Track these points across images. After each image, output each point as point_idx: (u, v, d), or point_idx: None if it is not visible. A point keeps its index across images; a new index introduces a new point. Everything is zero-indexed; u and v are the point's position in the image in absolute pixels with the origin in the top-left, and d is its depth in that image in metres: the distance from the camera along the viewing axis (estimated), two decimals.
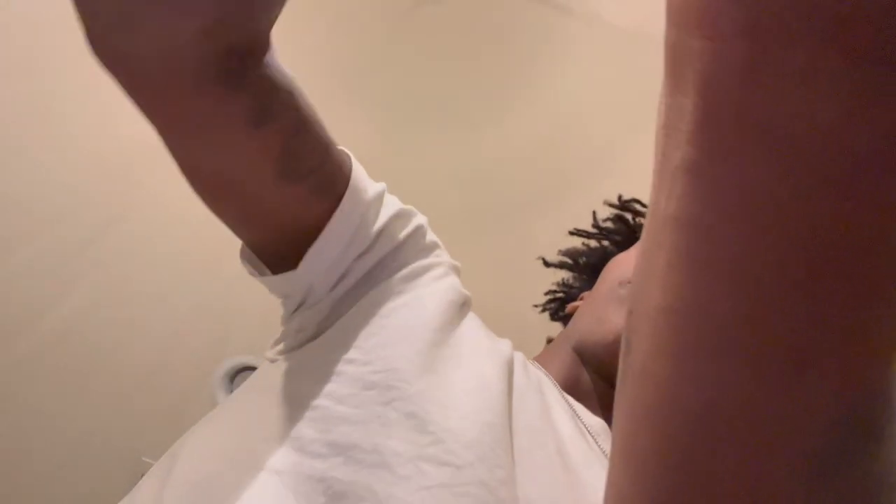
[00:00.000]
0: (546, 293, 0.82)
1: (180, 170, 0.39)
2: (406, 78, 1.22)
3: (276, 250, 0.43)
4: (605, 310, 0.56)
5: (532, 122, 1.24)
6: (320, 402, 0.37)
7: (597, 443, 0.45)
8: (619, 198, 0.78)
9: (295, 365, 0.42)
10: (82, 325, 1.09)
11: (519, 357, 0.49)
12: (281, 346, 0.46)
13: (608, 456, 0.44)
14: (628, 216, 0.77)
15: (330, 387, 0.38)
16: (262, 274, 0.44)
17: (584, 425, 0.46)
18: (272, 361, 0.46)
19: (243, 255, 0.45)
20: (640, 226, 0.75)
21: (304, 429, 0.36)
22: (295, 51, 1.22)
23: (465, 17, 1.21)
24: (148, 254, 1.11)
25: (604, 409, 0.50)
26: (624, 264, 0.60)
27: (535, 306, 0.83)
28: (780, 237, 0.13)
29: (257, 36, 0.36)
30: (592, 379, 0.54)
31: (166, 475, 0.37)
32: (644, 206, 0.77)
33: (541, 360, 0.57)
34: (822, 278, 0.13)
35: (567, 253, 0.82)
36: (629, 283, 0.55)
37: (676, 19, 0.14)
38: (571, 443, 0.43)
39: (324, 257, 0.42)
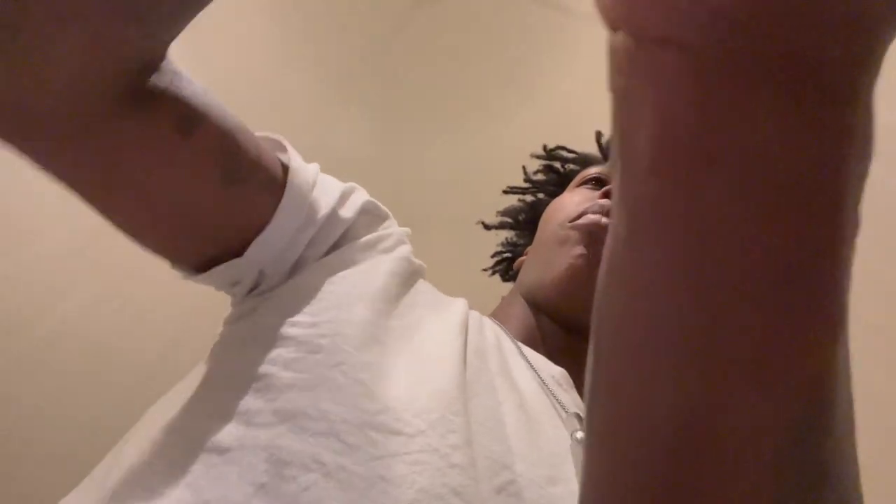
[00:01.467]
0: (493, 255, 0.83)
1: (132, 225, 0.39)
2: (406, 78, 1.22)
3: (223, 254, 0.42)
4: (550, 253, 0.56)
5: (532, 122, 1.24)
6: (266, 369, 0.36)
7: (555, 396, 0.45)
8: (545, 147, 0.79)
9: (239, 335, 0.41)
10: (82, 325, 1.09)
11: (475, 315, 0.48)
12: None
13: (565, 406, 0.44)
14: (557, 164, 0.78)
15: (276, 352, 0.37)
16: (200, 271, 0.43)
17: (542, 379, 0.46)
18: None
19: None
20: (571, 171, 0.75)
21: (251, 401, 0.35)
22: (295, 51, 1.23)
23: (465, 17, 1.21)
24: (145, 257, 1.11)
25: (563, 355, 0.50)
26: (560, 208, 0.60)
27: (485, 270, 0.83)
28: (734, 256, 0.14)
29: (154, 55, 0.35)
30: (549, 326, 0.54)
31: (114, 461, 0.36)
32: (570, 151, 0.78)
33: (497, 315, 0.57)
34: (771, 291, 0.15)
35: (505, 212, 0.82)
36: (570, 222, 0.56)
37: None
38: (532, 397, 0.43)
39: (271, 243, 0.41)
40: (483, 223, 0.83)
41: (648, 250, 0.16)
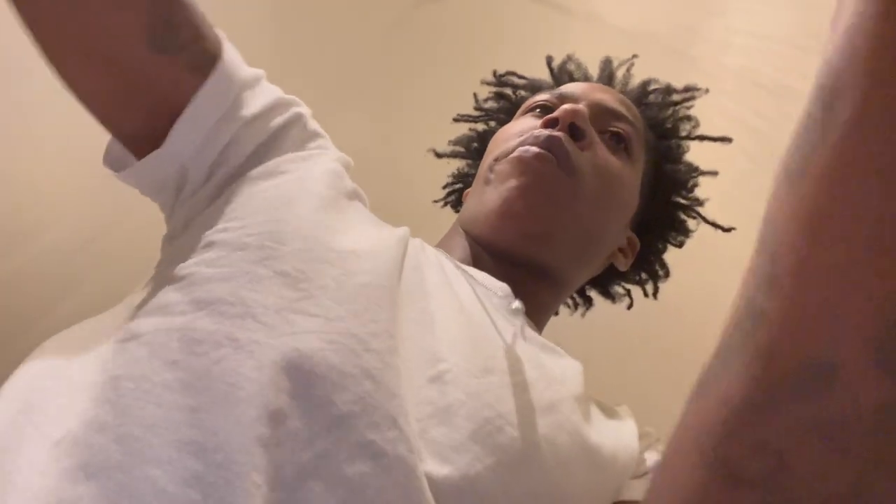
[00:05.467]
0: (444, 186, 0.81)
1: (44, 42, 0.39)
2: (406, 78, 1.22)
3: (146, 138, 0.42)
4: (485, 189, 0.56)
5: None
6: (190, 269, 0.36)
7: (490, 304, 0.46)
8: (495, 73, 0.77)
9: (174, 253, 0.41)
10: None
11: (417, 240, 0.49)
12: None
13: (493, 318, 0.45)
14: (508, 91, 0.76)
15: (202, 256, 0.37)
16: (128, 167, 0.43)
17: (485, 288, 0.47)
18: None
19: (107, 157, 0.44)
20: (522, 98, 0.73)
21: (171, 294, 0.35)
22: (295, 50, 1.23)
23: (465, 17, 1.20)
24: (148, 254, 1.11)
25: (501, 279, 0.50)
26: (501, 141, 0.59)
27: (436, 201, 0.81)
28: None
29: None
30: (487, 258, 0.55)
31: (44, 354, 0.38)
32: (521, 77, 0.76)
33: (440, 245, 0.57)
34: None
35: (457, 141, 0.80)
36: (496, 161, 0.56)
37: None
38: (470, 305, 0.44)
39: (192, 133, 0.41)
40: (434, 150, 0.81)
41: None
